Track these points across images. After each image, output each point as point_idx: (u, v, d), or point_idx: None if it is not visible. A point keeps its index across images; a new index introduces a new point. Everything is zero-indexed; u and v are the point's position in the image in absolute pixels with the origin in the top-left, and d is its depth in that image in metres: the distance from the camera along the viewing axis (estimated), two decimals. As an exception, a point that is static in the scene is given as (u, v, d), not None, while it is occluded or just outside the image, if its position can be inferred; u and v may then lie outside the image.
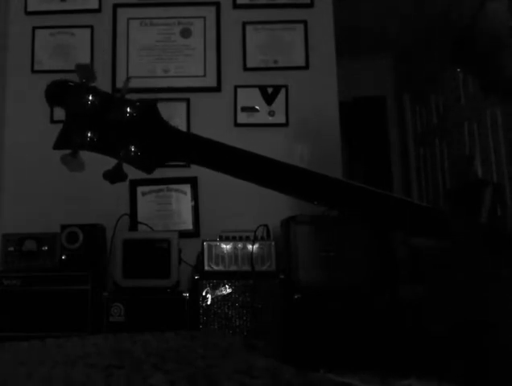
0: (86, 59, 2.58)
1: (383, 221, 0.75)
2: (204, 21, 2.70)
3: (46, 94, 0.71)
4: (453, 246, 0.69)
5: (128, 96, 0.72)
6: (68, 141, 0.70)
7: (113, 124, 0.70)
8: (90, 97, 0.70)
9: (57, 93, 0.71)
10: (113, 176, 0.71)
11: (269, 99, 2.63)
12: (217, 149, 0.73)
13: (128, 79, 0.77)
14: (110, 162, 0.73)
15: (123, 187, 2.52)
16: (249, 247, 2.05)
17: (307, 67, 2.66)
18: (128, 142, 0.71)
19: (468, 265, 0.69)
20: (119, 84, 2.53)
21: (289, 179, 0.73)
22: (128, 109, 0.71)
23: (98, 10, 2.70)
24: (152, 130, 0.72)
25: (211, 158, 0.73)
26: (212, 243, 2.07)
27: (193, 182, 2.56)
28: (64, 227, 2.18)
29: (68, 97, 0.70)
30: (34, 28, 2.68)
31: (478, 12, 0.96)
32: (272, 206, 2.41)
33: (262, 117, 2.62)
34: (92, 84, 0.72)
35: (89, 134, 0.70)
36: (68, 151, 0.71)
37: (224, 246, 2.06)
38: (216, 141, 0.73)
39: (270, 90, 2.64)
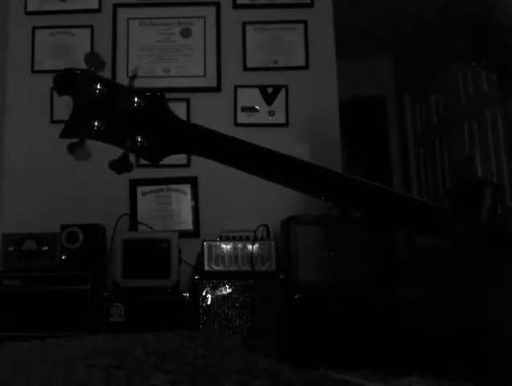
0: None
1: (388, 217, 0.75)
2: (204, 21, 2.70)
3: (54, 82, 0.70)
4: (453, 246, 0.69)
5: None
6: (75, 129, 0.70)
7: (120, 113, 0.70)
8: (98, 86, 0.70)
9: (66, 81, 0.71)
10: (120, 166, 0.71)
11: (269, 99, 2.63)
12: (226, 142, 0.73)
13: (136, 69, 0.77)
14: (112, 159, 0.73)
15: (123, 187, 2.52)
16: (249, 247, 2.05)
17: (307, 67, 2.66)
18: (135, 132, 0.71)
19: (467, 265, 0.69)
20: (119, 84, 2.53)
21: (297, 173, 0.73)
22: (136, 99, 0.70)
23: (98, 10, 2.70)
24: (160, 121, 0.72)
25: (219, 150, 0.73)
26: (212, 243, 2.07)
27: (193, 182, 2.56)
28: (63, 227, 2.18)
29: (76, 86, 0.70)
30: (34, 28, 2.68)
31: (494, 7, 0.96)
32: (272, 206, 2.41)
33: (262, 117, 2.62)
34: (100, 73, 0.72)
35: (96, 123, 0.70)
36: (74, 140, 0.71)
37: (224, 246, 2.06)
38: (225, 134, 0.73)
39: (270, 90, 2.64)
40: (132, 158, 0.72)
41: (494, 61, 1.02)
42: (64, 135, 0.71)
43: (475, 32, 1.03)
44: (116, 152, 0.73)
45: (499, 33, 0.96)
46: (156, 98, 0.71)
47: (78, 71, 0.71)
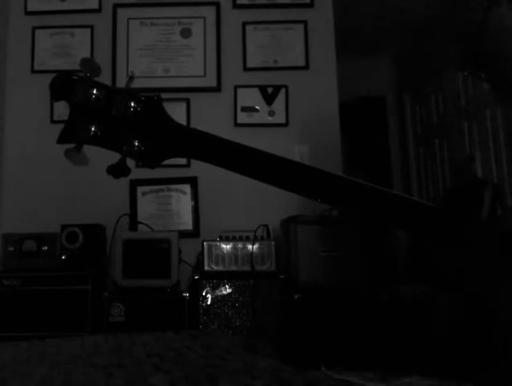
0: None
1: (386, 218, 0.75)
2: (204, 21, 2.70)
3: (51, 87, 0.70)
4: (464, 248, 0.69)
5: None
6: (72, 135, 0.70)
7: (117, 118, 0.70)
8: (95, 91, 0.70)
9: (62, 87, 0.71)
10: (117, 171, 0.71)
11: (269, 99, 2.63)
12: (222, 146, 0.73)
13: (132, 73, 0.77)
14: (111, 161, 0.73)
15: (123, 187, 2.52)
16: (249, 247, 2.05)
17: (307, 67, 2.66)
18: (132, 137, 0.71)
19: (472, 266, 0.68)
20: (119, 85, 2.53)
21: (295, 176, 0.73)
22: (132, 104, 0.70)
23: (98, 10, 2.70)
24: (156, 125, 0.71)
25: (216, 154, 0.73)
26: (212, 243, 2.07)
27: (193, 182, 2.56)
28: (64, 227, 2.18)
29: (72, 91, 0.70)
30: (34, 28, 2.68)
31: (486, 19, 0.96)
32: (272, 206, 2.41)
33: (262, 117, 2.62)
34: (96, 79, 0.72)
35: (93, 128, 0.70)
36: (72, 145, 0.71)
37: (224, 246, 2.06)
38: (221, 138, 0.73)
39: (270, 90, 2.64)
40: (130, 161, 0.72)
41: (490, 72, 1.01)
42: (61, 140, 0.71)
43: (470, 43, 1.02)
44: (115, 153, 0.73)
45: (495, 43, 0.96)
46: (152, 102, 0.71)
47: (74, 77, 0.71)
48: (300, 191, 0.74)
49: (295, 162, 0.72)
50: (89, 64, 0.72)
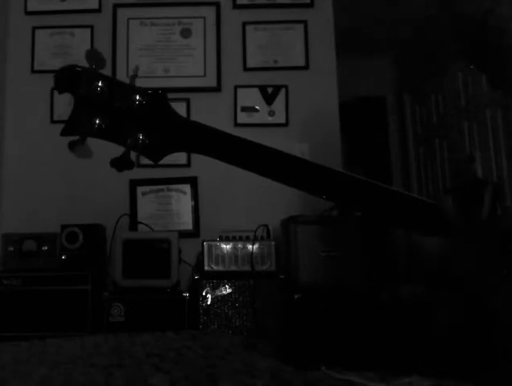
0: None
1: (389, 215, 0.75)
2: (204, 21, 2.70)
3: (55, 80, 0.70)
4: (463, 246, 0.69)
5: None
6: (76, 127, 0.70)
7: (121, 111, 0.70)
8: (100, 84, 0.70)
9: (67, 79, 0.70)
10: (121, 164, 0.71)
11: (269, 99, 2.63)
12: (226, 139, 0.73)
13: (136, 70, 0.76)
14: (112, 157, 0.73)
15: (123, 187, 2.52)
16: (249, 247, 2.05)
17: (307, 67, 2.66)
18: (136, 130, 0.71)
19: (477, 266, 0.68)
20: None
21: (298, 171, 0.73)
22: (137, 97, 0.70)
23: (98, 10, 2.70)
24: (161, 119, 0.71)
25: (219, 147, 0.73)
26: (212, 243, 2.07)
27: (193, 182, 2.56)
28: (64, 227, 2.18)
29: (77, 83, 0.70)
30: (34, 28, 2.68)
31: (488, 12, 0.96)
32: (272, 206, 2.41)
33: (262, 117, 2.62)
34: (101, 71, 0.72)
35: (98, 121, 0.70)
36: (75, 137, 0.71)
37: (224, 246, 2.06)
38: (225, 132, 0.73)
39: (270, 90, 2.64)
40: (133, 157, 0.72)
41: (491, 64, 1.01)
42: (65, 133, 0.70)
43: (470, 33, 1.02)
44: (116, 152, 0.73)
45: (498, 35, 0.96)
46: (158, 96, 0.71)
47: (79, 69, 0.71)
48: (302, 186, 0.74)
49: (296, 157, 0.72)
50: (94, 56, 0.71)
